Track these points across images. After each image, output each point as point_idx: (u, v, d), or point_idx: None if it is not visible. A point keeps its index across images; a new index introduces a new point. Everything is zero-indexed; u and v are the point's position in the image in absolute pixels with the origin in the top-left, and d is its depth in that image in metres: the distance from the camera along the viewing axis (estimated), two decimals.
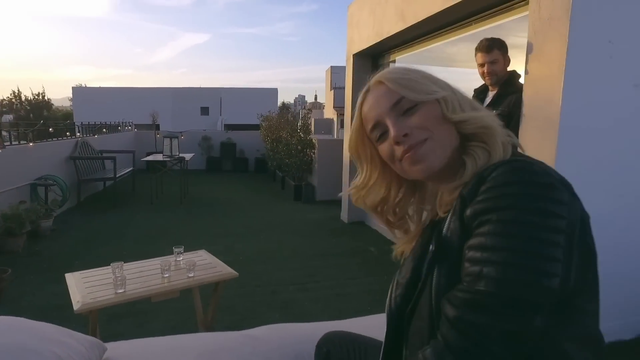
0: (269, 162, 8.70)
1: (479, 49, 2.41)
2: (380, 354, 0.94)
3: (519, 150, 0.75)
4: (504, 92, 2.38)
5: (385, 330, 0.79)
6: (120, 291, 1.68)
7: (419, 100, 0.72)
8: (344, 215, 5.38)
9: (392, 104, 0.73)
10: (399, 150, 0.73)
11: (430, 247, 0.68)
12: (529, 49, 2.20)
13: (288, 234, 4.75)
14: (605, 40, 2.03)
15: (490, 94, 2.48)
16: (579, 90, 2.03)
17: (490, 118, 0.72)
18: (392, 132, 0.72)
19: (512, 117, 2.32)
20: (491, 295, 0.54)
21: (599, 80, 2.08)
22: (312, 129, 7.96)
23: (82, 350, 0.95)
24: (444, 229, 0.67)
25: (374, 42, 4.32)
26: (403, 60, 4.78)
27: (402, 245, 0.85)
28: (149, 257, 2.24)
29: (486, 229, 0.57)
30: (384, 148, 0.76)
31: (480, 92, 2.57)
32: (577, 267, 0.58)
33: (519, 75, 2.40)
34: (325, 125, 13.89)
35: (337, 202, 6.12)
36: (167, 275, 1.87)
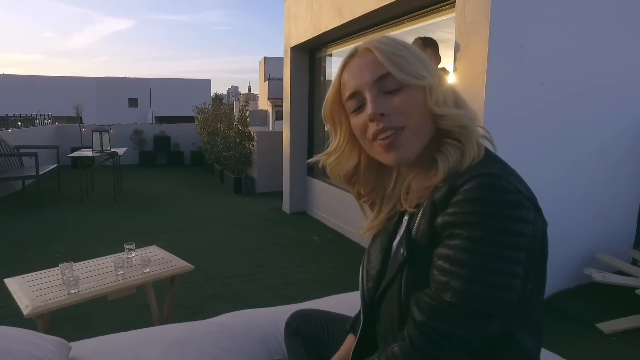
0: (207, 156, 8.51)
1: (415, 44, 2.61)
2: (346, 327, 1.06)
3: (492, 145, 0.75)
4: None
5: (352, 308, 0.87)
6: (74, 291, 1.63)
7: (406, 82, 0.69)
8: (286, 207, 5.48)
9: (376, 78, 0.70)
10: (372, 127, 0.71)
11: (401, 250, 0.71)
12: (457, 49, 2.44)
13: (231, 227, 4.75)
14: (517, 44, 2.31)
15: None
16: (499, 87, 2.30)
17: (469, 117, 0.71)
18: (369, 108, 0.70)
19: None
20: (455, 306, 0.60)
21: (514, 78, 2.37)
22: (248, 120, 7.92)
23: (52, 350, 0.95)
24: (413, 230, 0.70)
25: (312, 36, 4.42)
26: (340, 54, 4.94)
27: (369, 226, 0.87)
28: (85, 259, 2.17)
29: (456, 243, 0.61)
30: (357, 121, 0.74)
31: None
32: (534, 276, 0.63)
33: (448, 72, 2.64)
34: (260, 117, 13.79)
35: (278, 194, 6.20)
36: (121, 272, 1.84)
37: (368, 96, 0.71)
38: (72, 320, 2.52)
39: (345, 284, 3.19)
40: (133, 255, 2.05)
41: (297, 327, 1.12)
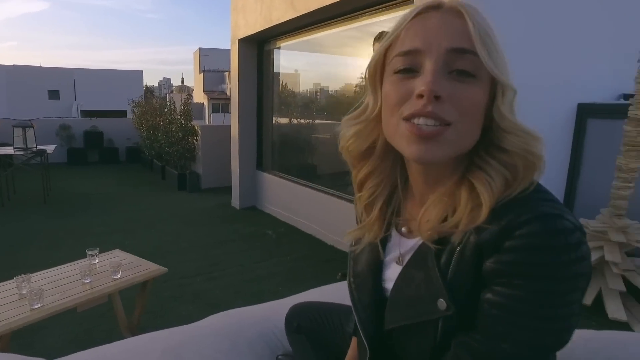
0: (146, 151, 8.05)
1: (377, 39, 2.68)
2: (343, 316, 1.06)
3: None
4: None
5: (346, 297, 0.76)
6: (37, 306, 1.47)
7: (490, 71, 0.55)
8: (235, 202, 5.37)
9: (455, 47, 0.55)
10: (414, 105, 0.56)
11: (443, 304, 0.59)
12: None
13: (181, 225, 4.56)
14: None
15: None
16: None
17: (539, 140, 0.58)
18: (427, 79, 0.54)
19: None
20: (517, 355, 0.55)
21: None
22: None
23: None
24: (450, 273, 0.59)
25: (262, 29, 4.35)
26: (291, 47, 4.92)
27: (356, 232, 0.76)
28: (21, 270, 1.92)
29: (515, 293, 0.53)
30: (395, 87, 0.58)
31: None
32: None
33: None
34: (196, 110, 13.30)
35: (225, 189, 6.07)
36: (88, 281, 1.70)
37: (430, 65, 0.55)
38: (13, 339, 2.28)
39: (307, 277, 3.22)
40: (97, 261, 1.90)
41: (298, 324, 1.10)
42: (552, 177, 3.40)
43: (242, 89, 5.06)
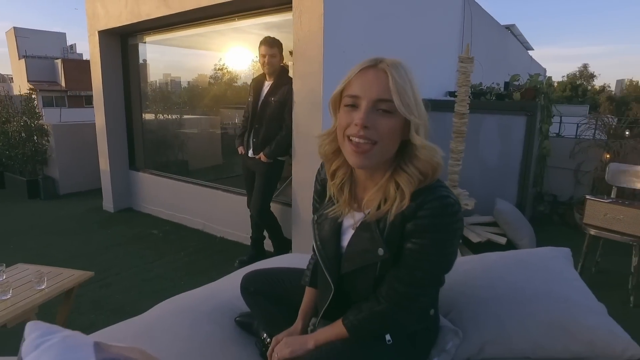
0: None
1: (264, 43, 2.96)
2: (291, 276, 1.37)
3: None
4: (279, 82, 3.02)
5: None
6: None
7: (400, 112, 0.88)
8: (108, 205, 5.04)
9: (379, 98, 0.89)
10: (353, 129, 0.90)
11: (381, 251, 0.95)
12: (295, 51, 2.90)
13: (49, 236, 4.13)
14: (341, 51, 2.94)
15: (267, 84, 3.08)
16: (333, 84, 2.88)
17: (440, 155, 0.93)
18: (361, 115, 0.89)
19: (286, 103, 3.00)
20: (425, 279, 0.96)
21: (341, 76, 3.00)
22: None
23: None
24: (385, 234, 0.94)
25: (129, 22, 4.16)
26: (161, 42, 4.80)
27: (338, 208, 1.06)
28: None
29: (423, 241, 0.91)
30: (344, 116, 0.93)
31: (259, 81, 3.13)
32: None
33: (288, 69, 3.10)
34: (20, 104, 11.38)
35: (90, 193, 5.65)
36: (8, 296, 1.60)
37: (364, 106, 0.90)
38: None
39: (206, 268, 3.38)
40: (4, 277, 1.77)
41: (254, 288, 1.34)
42: None
43: (107, 83, 4.73)
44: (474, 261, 1.37)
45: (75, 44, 39.91)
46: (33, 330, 0.70)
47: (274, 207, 3.33)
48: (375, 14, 3.35)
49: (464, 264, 1.37)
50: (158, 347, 1.21)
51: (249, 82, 3.44)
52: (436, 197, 0.91)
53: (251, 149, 3.15)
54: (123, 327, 1.36)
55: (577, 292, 1.21)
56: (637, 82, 35.82)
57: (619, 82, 42.72)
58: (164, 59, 5.70)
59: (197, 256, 3.66)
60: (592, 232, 2.84)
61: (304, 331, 1.19)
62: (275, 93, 3.01)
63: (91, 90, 4.97)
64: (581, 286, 1.26)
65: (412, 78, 0.94)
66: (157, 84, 5.57)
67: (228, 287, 1.62)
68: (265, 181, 3.13)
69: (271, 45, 2.95)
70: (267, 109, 3.02)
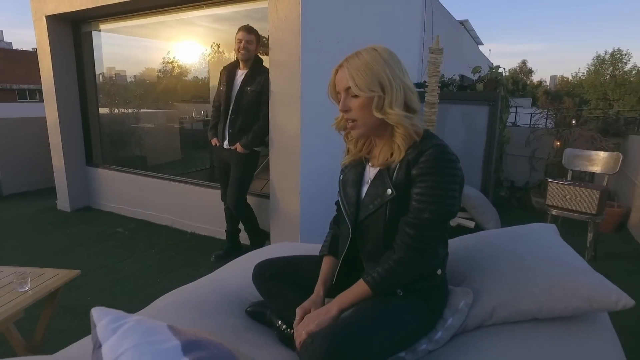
0: None
1: (242, 29, 2.91)
2: (304, 261, 1.39)
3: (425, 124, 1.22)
4: (255, 72, 2.97)
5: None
6: None
7: (358, 94, 1.12)
8: (64, 204, 4.74)
9: (345, 88, 1.14)
10: (343, 112, 1.19)
11: (388, 191, 1.12)
12: (272, 40, 2.87)
13: (4, 240, 3.82)
14: (317, 40, 2.95)
15: (241, 72, 3.01)
16: (310, 73, 2.90)
17: (403, 117, 1.11)
18: (340, 104, 1.17)
19: (262, 93, 2.96)
20: (432, 219, 1.07)
21: (318, 66, 3.01)
22: None
23: None
24: (394, 178, 1.12)
25: (84, 8, 3.91)
26: (118, 30, 4.56)
27: (347, 161, 1.31)
28: None
29: (427, 184, 1.07)
30: (340, 105, 1.19)
31: (231, 70, 3.05)
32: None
33: (262, 60, 3.06)
34: None
35: (43, 192, 5.32)
36: None
37: (342, 97, 1.17)
38: None
39: (180, 265, 3.28)
40: None
41: (270, 273, 1.36)
42: None
43: (59, 74, 4.42)
44: (474, 238, 1.45)
45: (1, 31, 36.52)
46: (101, 316, 0.66)
47: (250, 199, 3.29)
48: (346, 4, 3.39)
49: (465, 241, 1.45)
50: None
51: (205, 75, 3.35)
52: (433, 144, 1.10)
53: (227, 140, 3.08)
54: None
55: (570, 256, 1.32)
56: (567, 78, 38.63)
57: (553, 78, 45.99)
58: (122, 49, 5.41)
59: (170, 252, 3.55)
60: (554, 212, 3.07)
61: (325, 297, 1.24)
62: (252, 82, 2.96)
63: (26, 83, 4.64)
64: (572, 252, 1.37)
65: (370, 60, 1.12)
66: (114, 75, 5.27)
67: (231, 278, 1.60)
68: (242, 173, 3.08)
69: (249, 31, 2.90)
70: (243, 98, 2.97)
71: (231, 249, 3.41)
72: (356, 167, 1.27)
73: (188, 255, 3.48)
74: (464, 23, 8.28)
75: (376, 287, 1.10)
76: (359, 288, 1.12)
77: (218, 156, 3.22)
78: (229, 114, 3.03)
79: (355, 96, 1.13)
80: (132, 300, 2.74)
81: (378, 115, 1.12)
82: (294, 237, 3.12)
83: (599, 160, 3.25)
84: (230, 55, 7.49)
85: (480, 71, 4.21)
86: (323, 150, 3.29)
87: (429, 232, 1.10)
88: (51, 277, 1.76)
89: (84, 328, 1.36)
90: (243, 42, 2.89)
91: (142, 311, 1.46)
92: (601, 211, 2.97)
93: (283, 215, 3.15)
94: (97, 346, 0.58)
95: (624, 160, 3.37)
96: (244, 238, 3.44)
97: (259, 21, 3.23)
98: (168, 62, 6.90)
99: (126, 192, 4.48)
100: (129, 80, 7.10)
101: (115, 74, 5.55)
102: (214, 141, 3.18)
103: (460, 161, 1.12)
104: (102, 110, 5.11)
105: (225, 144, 3.09)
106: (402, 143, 1.12)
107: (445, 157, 1.08)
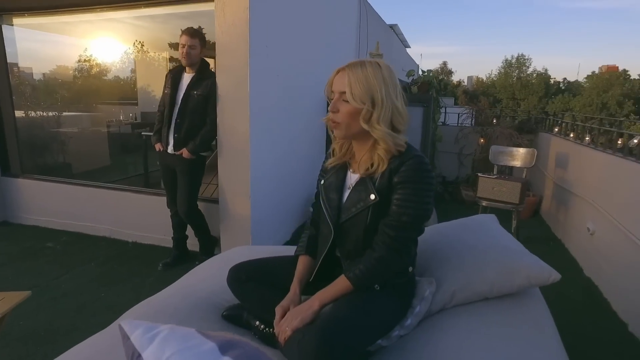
0: None
1: (185, 32, 2.84)
2: (278, 262, 1.44)
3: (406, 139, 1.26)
4: (202, 76, 2.92)
5: None
6: None
7: (352, 102, 1.19)
8: None
9: (340, 91, 1.22)
10: (330, 113, 1.26)
11: (373, 196, 1.21)
12: (219, 44, 2.85)
13: None
14: (264, 44, 2.98)
15: (187, 76, 2.95)
16: (258, 77, 2.92)
17: (386, 134, 1.19)
18: (331, 105, 1.24)
19: (210, 97, 2.93)
20: (410, 223, 1.19)
21: (265, 70, 3.05)
22: None
23: None
24: (377, 185, 1.21)
25: None
26: (33, 25, 4.19)
27: (333, 162, 1.37)
28: None
29: (406, 191, 1.18)
30: (331, 104, 1.26)
31: (177, 73, 2.98)
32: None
33: (209, 63, 3.02)
34: None
35: None
36: None
37: (335, 97, 1.24)
38: None
39: (124, 276, 3.14)
40: None
41: (246, 276, 1.39)
42: (316, 151, 4.43)
43: None
44: (430, 231, 1.60)
45: None
46: (133, 328, 0.67)
47: (199, 205, 3.23)
48: (291, 9, 3.46)
49: (422, 235, 1.60)
50: None
51: (128, 75, 3.24)
52: (414, 155, 1.21)
53: (171, 145, 2.99)
54: (95, 341, 1.26)
55: (511, 242, 1.53)
56: (482, 78, 42.06)
57: (470, 78, 49.79)
58: (40, 45, 4.96)
59: (112, 264, 3.36)
60: (484, 203, 3.40)
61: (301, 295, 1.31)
62: (198, 86, 2.91)
63: None
64: (511, 237, 1.59)
65: (371, 74, 1.20)
66: (33, 76, 4.82)
67: (201, 284, 1.60)
68: (190, 179, 3.02)
69: (192, 35, 2.84)
70: (189, 102, 2.91)
71: (179, 257, 3.33)
72: (338, 173, 1.36)
73: (133, 266, 3.33)
74: (393, 27, 8.73)
75: (358, 283, 1.19)
76: (341, 284, 1.21)
77: (163, 161, 3.12)
78: (174, 118, 2.95)
79: (346, 102, 1.21)
80: (77, 318, 2.58)
81: (365, 126, 1.20)
82: (245, 241, 3.13)
83: (518, 156, 3.66)
84: (156, 55, 7.21)
85: (414, 74, 4.51)
86: (272, 153, 3.34)
87: (407, 234, 1.22)
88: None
89: (20, 353, 1.29)
90: (186, 47, 2.83)
91: (111, 327, 1.41)
92: (522, 200, 3.36)
93: (233, 220, 3.14)
94: (136, 356, 0.60)
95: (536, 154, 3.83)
96: (191, 244, 3.38)
97: (185, 19, 3.18)
98: (88, 61, 6.46)
99: (53, 204, 4.14)
100: (47, 80, 6.53)
101: (36, 73, 5.08)
102: (158, 146, 3.07)
103: (432, 169, 1.27)
104: (19, 114, 4.66)
105: (170, 149, 3.00)
106: (384, 155, 1.22)
107: (423, 167, 1.21)
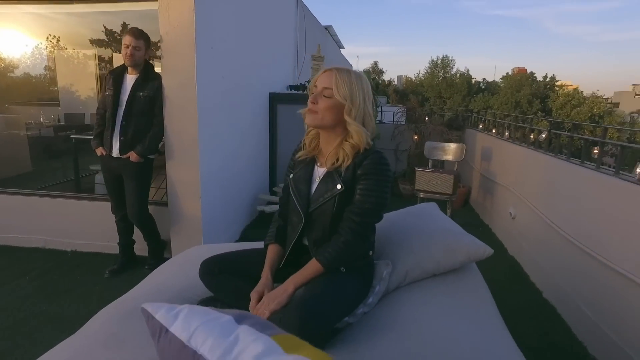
0: None
1: (129, 32, 2.76)
2: (253, 254, 1.53)
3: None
4: (147, 77, 2.86)
5: None
6: None
7: (335, 97, 1.36)
8: None
9: (325, 86, 1.37)
10: (309, 102, 1.40)
11: (338, 186, 1.37)
12: (164, 46, 2.82)
13: None
14: (209, 46, 3.00)
15: (130, 77, 2.87)
16: (205, 78, 2.94)
17: (363, 132, 1.37)
18: (313, 95, 1.39)
19: (157, 98, 2.89)
20: (372, 210, 1.35)
21: (212, 71, 3.07)
22: None
23: None
24: (342, 176, 1.37)
25: None
26: None
27: (304, 154, 1.50)
28: None
29: (368, 182, 1.35)
30: (310, 98, 1.40)
31: (118, 74, 2.88)
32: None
33: (152, 65, 2.97)
34: None
35: None
36: None
37: (316, 90, 1.40)
38: None
39: (68, 287, 3.01)
40: None
41: (218, 268, 1.46)
42: (261, 151, 4.50)
43: None
44: (383, 220, 1.78)
45: None
46: (156, 308, 0.73)
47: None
48: (234, 11, 3.50)
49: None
50: (124, 357, 1.16)
51: (42, 73, 3.10)
52: (375, 152, 1.40)
53: (117, 149, 2.91)
54: (65, 346, 1.26)
55: (452, 225, 1.76)
56: (411, 78, 44.27)
57: (399, 78, 52.12)
58: None
59: (51, 276, 3.18)
60: (422, 195, 3.71)
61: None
62: (144, 88, 2.85)
63: None
64: (451, 221, 1.82)
65: (354, 81, 1.39)
66: None
67: (170, 280, 1.64)
68: (139, 183, 2.95)
69: (137, 36, 2.78)
70: (135, 104, 2.84)
71: (126, 262, 3.24)
72: (307, 167, 1.50)
73: (75, 275, 3.18)
74: (328, 28, 8.98)
75: (328, 265, 1.33)
76: (312, 267, 1.33)
77: (106, 166, 3.01)
78: (119, 120, 2.86)
79: (328, 97, 1.37)
80: (16, 335, 2.43)
81: (347, 118, 1.37)
82: (196, 242, 3.13)
83: (450, 151, 4.03)
84: (77, 52, 6.74)
85: None
86: (220, 153, 3.36)
87: (369, 220, 1.39)
88: None
89: None
90: (130, 48, 2.77)
91: (80, 332, 1.40)
92: (455, 191, 3.72)
93: (184, 221, 3.13)
94: (164, 331, 0.66)
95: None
96: (137, 249, 3.30)
97: (106, 15, 3.08)
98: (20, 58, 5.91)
99: None
100: None
101: None
102: (100, 150, 2.96)
103: (389, 165, 1.44)
104: None
105: (115, 153, 2.91)
106: (349, 152, 1.38)
107: (382, 161, 1.39)
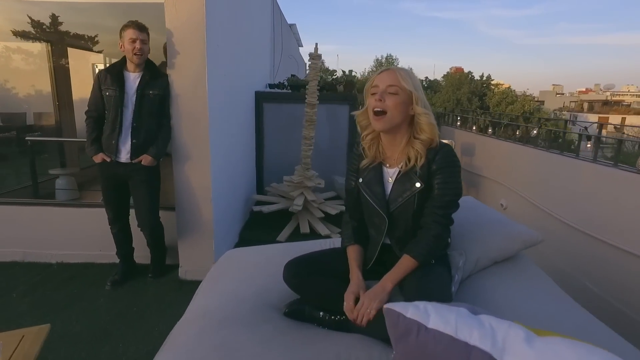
0: None
1: (132, 25, 2.56)
2: (330, 258, 1.54)
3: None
4: (154, 74, 2.68)
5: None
6: None
7: (403, 90, 1.38)
8: None
9: (390, 84, 1.39)
10: (372, 104, 1.40)
11: (418, 184, 1.40)
12: (170, 42, 2.69)
13: None
14: (215, 45, 2.91)
15: (133, 75, 2.66)
16: (215, 76, 2.85)
17: (432, 122, 1.42)
18: (379, 94, 1.39)
19: (166, 97, 2.74)
20: (452, 201, 1.41)
21: (216, 70, 2.97)
22: None
23: None
24: (418, 173, 1.40)
25: None
26: None
27: (367, 160, 1.51)
28: None
29: (444, 175, 1.39)
30: (370, 101, 1.42)
31: (118, 72, 2.65)
32: None
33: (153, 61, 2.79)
34: None
35: None
36: None
37: (380, 89, 1.40)
38: None
39: (65, 301, 2.82)
40: None
41: (308, 271, 1.45)
42: (250, 150, 4.43)
43: None
44: None
45: None
46: (403, 308, 0.77)
47: None
48: (232, 9, 3.42)
49: None
50: None
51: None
52: (444, 145, 1.45)
53: (125, 153, 2.68)
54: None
55: (499, 215, 1.89)
56: (358, 76, 45.17)
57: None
58: None
59: (42, 291, 2.93)
60: None
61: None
62: (153, 86, 2.66)
63: None
64: (496, 212, 1.94)
65: (413, 76, 1.44)
66: None
67: (242, 290, 1.59)
68: (151, 189, 2.77)
69: (141, 29, 2.59)
70: (145, 104, 2.65)
71: (128, 271, 3.07)
72: (375, 170, 1.51)
73: (70, 289, 2.95)
74: (292, 27, 8.96)
75: (424, 259, 1.37)
76: (405, 263, 1.37)
77: (110, 173, 2.76)
78: (126, 122, 2.65)
79: (393, 94, 1.38)
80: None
81: (417, 109, 1.39)
82: (206, 247, 3.02)
83: None
84: (25, 45, 6.07)
85: (335, 74, 4.79)
86: (225, 154, 3.28)
87: (451, 211, 1.44)
88: (20, 341, 1.36)
89: None
90: (137, 41, 2.57)
91: (165, 349, 1.34)
92: None
93: (194, 226, 3.00)
94: (423, 328, 0.67)
95: None
96: (136, 257, 3.15)
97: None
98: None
99: None
100: None
101: None
102: (101, 157, 2.69)
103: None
104: None
105: (125, 158, 2.69)
106: (421, 149, 1.41)
107: (452, 153, 1.44)
